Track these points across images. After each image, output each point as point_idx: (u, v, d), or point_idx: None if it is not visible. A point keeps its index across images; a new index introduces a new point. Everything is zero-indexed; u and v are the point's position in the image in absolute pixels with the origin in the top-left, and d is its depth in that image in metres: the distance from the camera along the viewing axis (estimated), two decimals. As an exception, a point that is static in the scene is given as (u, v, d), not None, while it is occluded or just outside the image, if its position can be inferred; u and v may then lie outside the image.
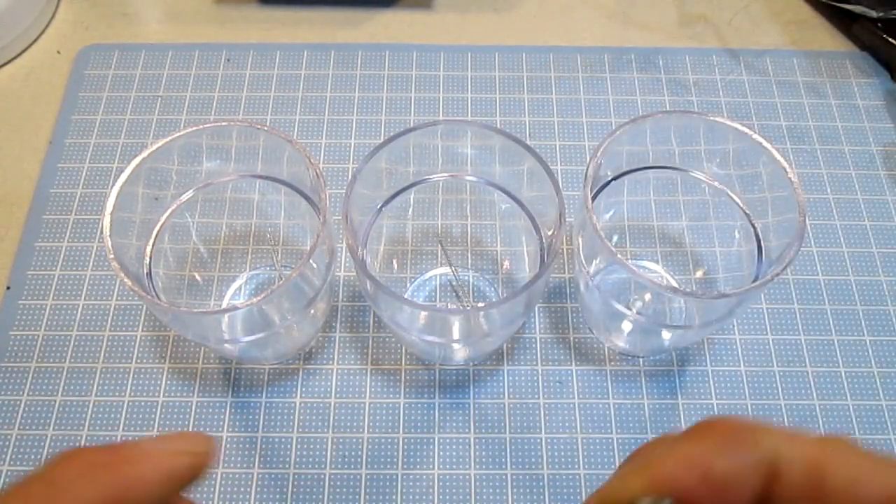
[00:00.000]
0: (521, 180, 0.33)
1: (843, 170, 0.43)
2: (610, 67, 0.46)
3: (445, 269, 0.39)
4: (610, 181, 0.34)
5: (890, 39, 0.46)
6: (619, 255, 0.29)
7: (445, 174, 0.35)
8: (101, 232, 0.29)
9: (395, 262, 0.38)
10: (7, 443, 0.35)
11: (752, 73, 0.46)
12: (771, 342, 0.37)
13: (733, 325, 0.38)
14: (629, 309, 0.33)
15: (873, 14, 0.46)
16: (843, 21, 0.48)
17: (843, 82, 0.46)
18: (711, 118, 0.32)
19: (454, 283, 0.38)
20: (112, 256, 0.28)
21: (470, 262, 0.39)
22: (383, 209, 0.34)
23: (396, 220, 0.37)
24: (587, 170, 0.30)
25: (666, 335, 0.36)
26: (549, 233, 0.31)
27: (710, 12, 0.49)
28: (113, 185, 0.30)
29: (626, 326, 0.36)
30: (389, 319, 0.32)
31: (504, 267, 0.39)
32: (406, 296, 0.37)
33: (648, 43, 0.48)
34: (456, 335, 0.32)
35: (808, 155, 0.43)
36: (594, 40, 0.48)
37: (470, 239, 0.39)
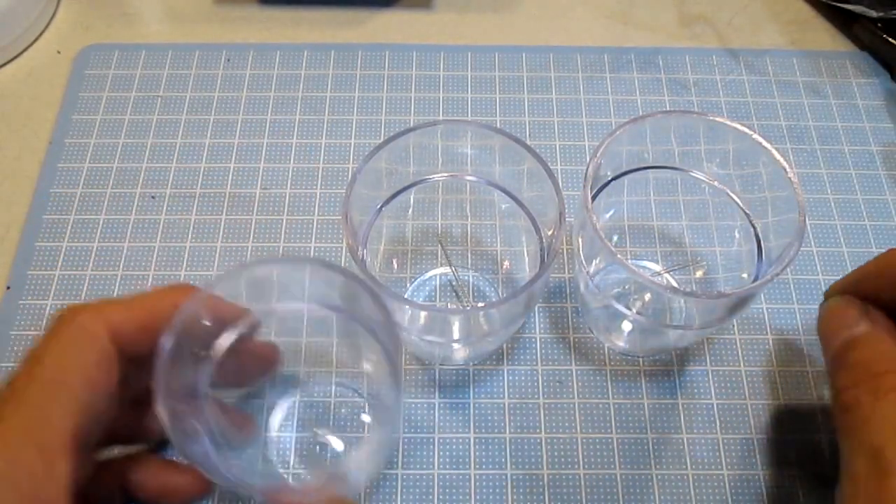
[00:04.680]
0: (521, 180, 0.33)
1: (843, 170, 0.43)
2: (610, 67, 0.46)
3: (445, 269, 0.39)
4: (610, 181, 0.34)
5: (890, 39, 0.46)
6: (618, 255, 0.29)
7: (445, 174, 0.35)
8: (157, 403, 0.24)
9: (394, 262, 0.38)
10: (7, 443, 0.34)
11: (752, 73, 0.46)
12: (771, 342, 0.37)
13: (733, 325, 0.38)
14: (629, 309, 0.33)
15: (873, 14, 0.46)
16: (843, 21, 0.48)
17: (843, 82, 0.46)
18: (711, 118, 0.32)
19: (454, 283, 0.38)
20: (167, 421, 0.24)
21: (470, 261, 0.39)
22: (383, 209, 0.34)
23: (396, 219, 0.37)
24: (587, 170, 0.30)
25: (666, 335, 0.36)
26: (549, 233, 0.31)
27: (710, 12, 0.49)
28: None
29: (626, 326, 0.36)
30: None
31: (504, 267, 0.39)
32: (406, 296, 0.37)
33: (648, 43, 0.48)
34: (456, 335, 0.32)
35: (808, 155, 0.43)
36: (594, 40, 0.48)
37: (470, 239, 0.39)
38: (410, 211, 0.37)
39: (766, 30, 0.49)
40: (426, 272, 0.39)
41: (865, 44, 0.47)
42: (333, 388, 0.35)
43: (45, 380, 0.23)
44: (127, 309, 0.25)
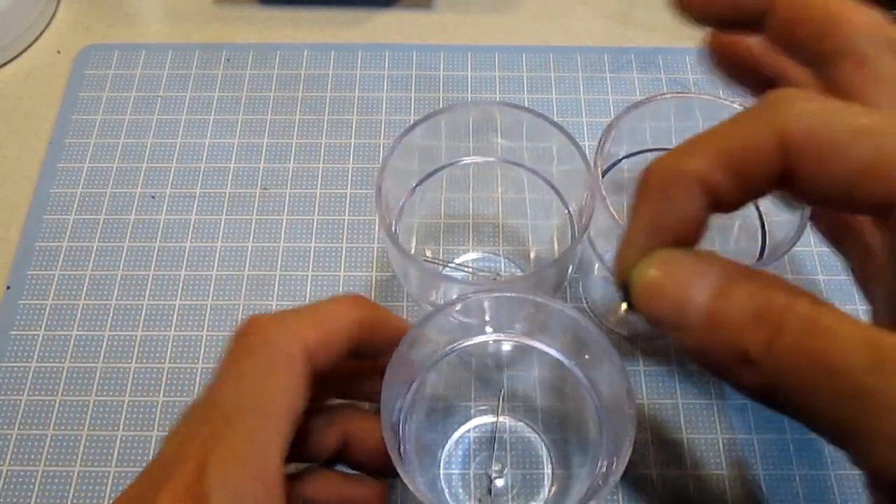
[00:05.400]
0: (549, 159, 0.33)
1: (844, 170, 0.43)
2: (610, 67, 0.46)
3: (475, 255, 0.39)
4: (613, 164, 0.34)
5: (890, 39, 0.46)
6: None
7: (476, 157, 0.35)
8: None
9: (426, 249, 0.38)
10: (7, 443, 0.35)
11: (752, 73, 0.46)
12: (771, 342, 0.37)
13: (733, 325, 0.38)
14: None
15: (873, 14, 0.46)
16: (843, 21, 0.48)
17: (843, 82, 0.46)
18: (711, 98, 0.32)
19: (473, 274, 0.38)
20: None
21: (501, 247, 0.39)
22: (416, 190, 0.34)
23: (426, 204, 0.37)
24: (598, 149, 0.31)
25: None
26: (578, 209, 0.31)
27: (710, 12, 0.49)
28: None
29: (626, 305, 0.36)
30: (424, 301, 0.32)
31: (532, 250, 0.39)
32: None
33: (648, 43, 0.48)
34: (487, 315, 0.31)
35: (808, 155, 0.43)
36: (594, 40, 0.48)
37: (501, 224, 0.39)
38: (442, 195, 0.37)
39: (766, 30, 0.49)
40: (457, 257, 0.39)
41: (865, 44, 0.47)
42: (508, 423, 0.35)
43: (255, 405, 0.22)
44: (316, 327, 0.24)
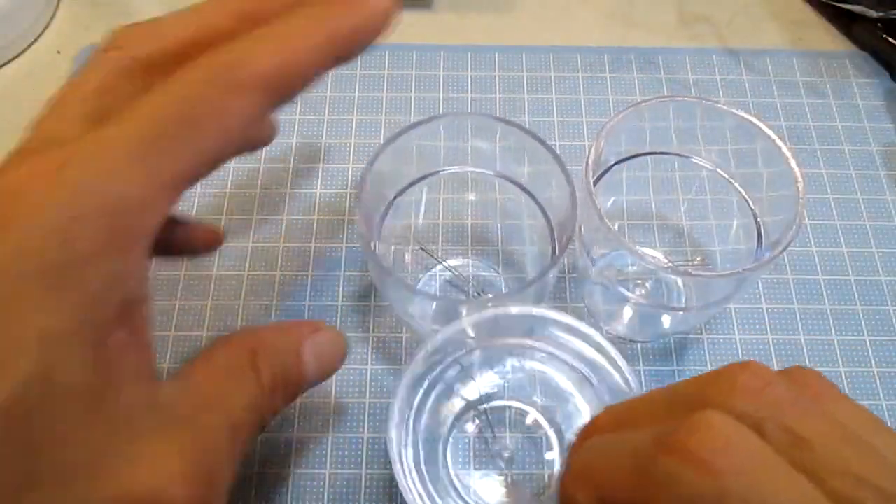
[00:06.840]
0: (534, 176, 0.33)
1: (843, 170, 0.43)
2: (610, 67, 0.46)
3: (457, 262, 0.38)
4: (609, 168, 0.34)
5: (890, 39, 0.46)
6: (622, 239, 0.29)
7: (456, 167, 0.35)
8: None
9: (405, 255, 0.38)
10: (7, 443, 0.35)
11: (752, 73, 0.46)
12: (771, 342, 0.37)
13: (733, 325, 0.38)
14: (631, 293, 0.33)
15: (873, 14, 0.46)
16: (843, 21, 0.48)
17: (843, 82, 0.46)
18: (710, 102, 0.32)
19: (456, 281, 0.38)
20: None
21: (492, 260, 0.39)
22: (395, 201, 0.34)
23: (407, 215, 0.37)
24: (588, 155, 0.31)
25: (666, 319, 0.36)
26: (560, 220, 0.32)
27: (710, 12, 0.49)
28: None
29: (628, 312, 0.36)
30: (402, 312, 0.32)
31: (515, 264, 0.39)
32: (418, 288, 0.37)
33: (648, 43, 0.48)
34: (470, 332, 0.32)
35: (808, 155, 0.43)
36: (594, 40, 0.48)
37: (499, 239, 0.39)
38: (423, 206, 0.37)
39: (766, 30, 0.49)
40: (435, 266, 0.39)
41: (865, 44, 0.47)
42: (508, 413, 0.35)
43: (180, 115, 0.19)
44: (278, 55, 0.21)
